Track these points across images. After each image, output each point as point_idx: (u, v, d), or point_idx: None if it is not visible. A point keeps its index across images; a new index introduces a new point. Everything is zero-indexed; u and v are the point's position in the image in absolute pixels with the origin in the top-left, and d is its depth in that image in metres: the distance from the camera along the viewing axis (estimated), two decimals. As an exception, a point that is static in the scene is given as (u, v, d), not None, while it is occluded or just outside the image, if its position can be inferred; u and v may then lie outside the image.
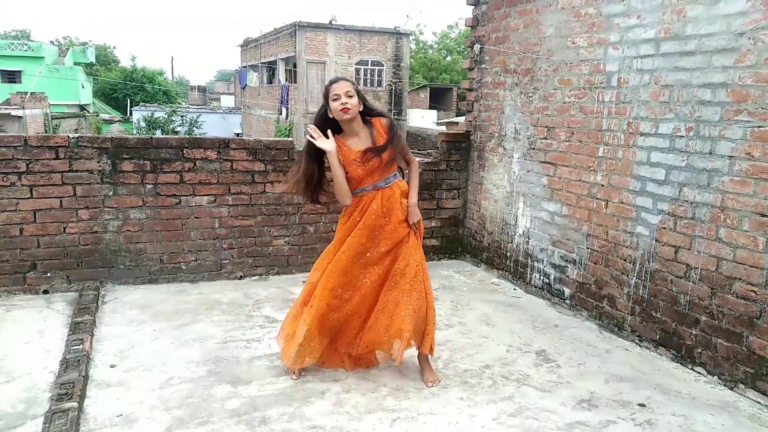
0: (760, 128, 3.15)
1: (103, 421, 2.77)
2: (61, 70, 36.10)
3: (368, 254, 3.14)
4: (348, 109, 3.00)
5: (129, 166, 4.56)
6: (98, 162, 4.48)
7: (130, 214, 4.63)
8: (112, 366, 3.33)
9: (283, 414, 2.89)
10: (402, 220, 3.18)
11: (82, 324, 3.74)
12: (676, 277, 3.65)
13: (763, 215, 3.15)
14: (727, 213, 3.33)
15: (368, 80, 27.77)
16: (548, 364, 3.58)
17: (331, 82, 3.08)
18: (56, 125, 26.60)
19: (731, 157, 3.30)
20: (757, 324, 3.19)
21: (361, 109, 3.08)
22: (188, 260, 4.86)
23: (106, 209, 4.56)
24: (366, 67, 27.64)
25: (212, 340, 3.73)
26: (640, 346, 3.88)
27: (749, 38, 3.19)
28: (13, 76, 35.16)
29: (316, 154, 3.13)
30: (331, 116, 3.08)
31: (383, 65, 27.78)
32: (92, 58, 42.65)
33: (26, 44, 36.77)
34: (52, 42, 46.83)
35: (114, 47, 64.66)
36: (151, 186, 4.64)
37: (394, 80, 27.76)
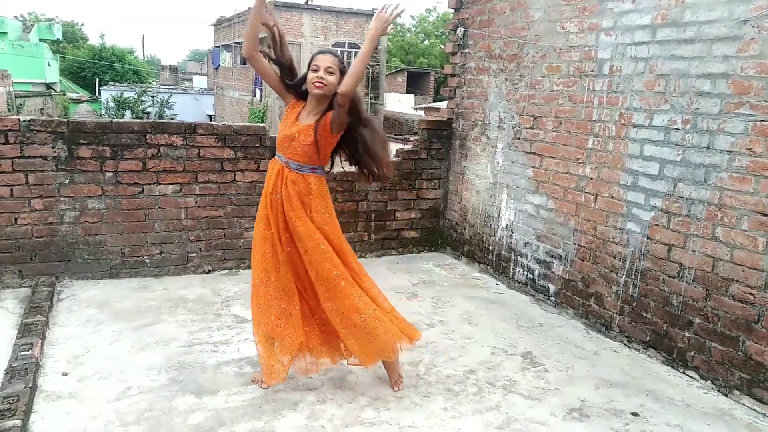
0: (763, 122, 2.97)
1: (50, 440, 2.50)
2: (26, 47, 34.59)
3: (273, 226, 2.83)
4: (323, 85, 2.74)
5: (87, 152, 4.22)
6: (53, 147, 4.13)
7: (88, 203, 4.30)
8: (65, 374, 3.04)
9: (252, 429, 2.64)
10: (310, 218, 2.81)
11: (33, 326, 3.43)
12: (669, 276, 3.48)
13: (764, 214, 2.98)
14: (725, 211, 3.16)
15: (345, 62, 27.17)
16: (535, 367, 3.39)
17: (318, 52, 2.88)
18: (20, 104, 25.48)
19: (731, 152, 3.12)
20: (754, 328, 3.04)
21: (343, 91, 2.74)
22: (152, 253, 4.55)
23: (62, 199, 4.23)
24: (343, 49, 27.03)
25: (176, 343, 3.45)
26: (629, 347, 3.72)
27: (753, 26, 3.00)
28: (-26, 53, 33.66)
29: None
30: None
31: (360, 47, 27.31)
32: (59, 35, 41.01)
33: (-12, 19, 35.17)
34: (16, 17, 44.93)
35: (82, 24, 62.53)
36: (111, 174, 4.31)
37: (371, 63, 27.28)
